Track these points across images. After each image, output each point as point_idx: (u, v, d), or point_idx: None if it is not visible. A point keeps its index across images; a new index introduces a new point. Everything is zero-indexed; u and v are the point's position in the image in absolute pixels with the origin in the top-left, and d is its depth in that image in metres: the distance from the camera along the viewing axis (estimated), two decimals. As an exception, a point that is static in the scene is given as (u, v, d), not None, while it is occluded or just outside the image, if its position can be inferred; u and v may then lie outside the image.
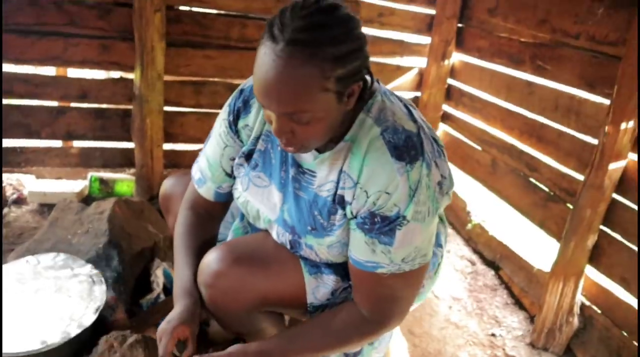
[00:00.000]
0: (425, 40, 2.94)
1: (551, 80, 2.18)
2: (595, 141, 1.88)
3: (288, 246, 1.24)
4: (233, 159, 1.28)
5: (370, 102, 1.09)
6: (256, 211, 1.27)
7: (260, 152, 1.23)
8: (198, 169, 1.34)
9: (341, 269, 1.24)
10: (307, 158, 1.15)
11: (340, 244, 1.17)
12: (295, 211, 1.19)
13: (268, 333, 1.34)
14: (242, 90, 1.25)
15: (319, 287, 1.25)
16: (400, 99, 1.17)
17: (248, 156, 1.25)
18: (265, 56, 0.93)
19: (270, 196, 1.23)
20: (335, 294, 1.26)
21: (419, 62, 3.02)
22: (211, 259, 1.21)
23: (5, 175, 2.56)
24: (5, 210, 2.47)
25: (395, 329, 2.12)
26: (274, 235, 1.26)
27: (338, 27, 0.94)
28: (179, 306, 1.21)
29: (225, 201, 1.36)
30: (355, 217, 1.11)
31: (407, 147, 1.05)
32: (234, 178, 1.31)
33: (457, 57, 2.92)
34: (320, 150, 1.13)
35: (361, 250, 1.11)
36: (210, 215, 1.39)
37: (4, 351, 1.30)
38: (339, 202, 1.13)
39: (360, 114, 1.08)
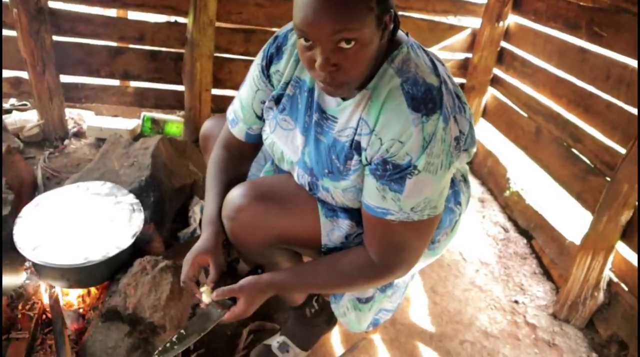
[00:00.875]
0: (482, -1, 2.85)
1: (606, 49, 2.08)
2: (643, 114, 1.81)
3: (307, 188, 1.30)
4: (264, 103, 1.34)
5: (395, 53, 1.11)
6: (280, 152, 1.34)
7: (289, 97, 1.28)
8: (232, 110, 1.42)
9: (357, 214, 1.28)
10: (331, 104, 1.20)
11: (355, 189, 1.22)
12: (315, 153, 1.24)
13: (283, 267, 1.42)
14: (276, 37, 1.29)
15: (333, 230, 1.31)
16: (427, 53, 1.17)
17: (277, 100, 1.31)
18: None
19: (294, 138, 1.29)
20: (350, 238, 1.32)
21: (472, 22, 2.94)
22: (235, 194, 1.30)
23: (67, 110, 2.74)
24: (65, 141, 2.67)
25: (417, 285, 2.19)
26: (295, 176, 1.33)
27: None
28: (202, 236, 1.31)
29: (255, 142, 1.43)
30: (370, 163, 1.15)
31: (425, 99, 1.06)
32: (264, 121, 1.37)
33: (512, 19, 2.81)
34: (344, 98, 1.17)
35: (373, 195, 1.16)
36: (241, 154, 1.47)
37: (53, 262, 1.46)
38: (356, 147, 1.17)
39: (383, 64, 1.10)
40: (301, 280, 1.28)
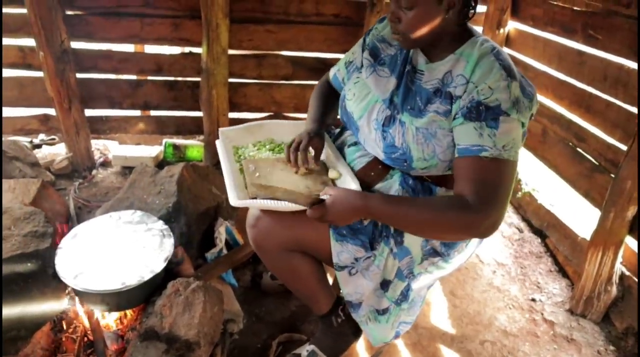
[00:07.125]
0: (481, 8, 2.91)
1: (601, 50, 2.15)
2: (640, 112, 1.87)
3: (382, 123, 1.44)
4: (348, 64, 1.67)
5: (477, 35, 1.36)
6: (364, 105, 1.51)
7: (390, 56, 1.51)
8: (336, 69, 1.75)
9: (366, 239, 1.44)
10: (421, 62, 1.42)
11: (427, 133, 1.35)
12: (404, 93, 1.43)
13: (302, 271, 1.58)
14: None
15: (342, 252, 1.46)
16: None
17: (373, 55, 1.54)
18: None
19: (387, 83, 1.49)
20: (359, 260, 1.46)
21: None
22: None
23: (92, 141, 2.90)
24: (93, 171, 2.83)
25: (436, 290, 2.27)
26: (374, 114, 1.48)
27: None
28: (311, 127, 1.57)
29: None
30: (462, 109, 1.30)
31: (508, 69, 1.27)
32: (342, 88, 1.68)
33: (512, 25, 2.89)
34: (431, 60, 1.39)
35: (470, 136, 1.28)
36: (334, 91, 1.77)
37: (93, 288, 1.59)
38: (446, 96, 1.34)
39: (472, 38, 1.33)
40: (396, 206, 1.33)
